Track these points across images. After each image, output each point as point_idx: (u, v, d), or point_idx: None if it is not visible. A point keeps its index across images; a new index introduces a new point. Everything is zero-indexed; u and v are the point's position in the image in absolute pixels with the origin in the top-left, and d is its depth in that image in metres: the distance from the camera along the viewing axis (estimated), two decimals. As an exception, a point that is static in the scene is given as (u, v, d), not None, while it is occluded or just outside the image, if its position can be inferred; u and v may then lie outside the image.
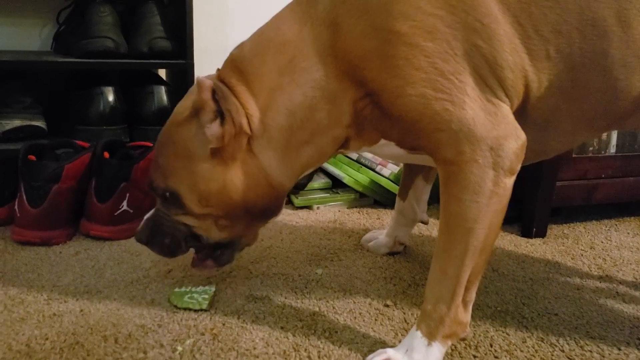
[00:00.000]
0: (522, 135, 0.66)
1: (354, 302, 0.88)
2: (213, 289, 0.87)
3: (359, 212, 1.32)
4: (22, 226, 1.04)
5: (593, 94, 0.69)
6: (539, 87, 0.68)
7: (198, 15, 1.53)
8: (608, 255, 1.11)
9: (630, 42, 0.67)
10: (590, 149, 1.24)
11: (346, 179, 1.35)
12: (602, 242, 1.19)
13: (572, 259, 1.09)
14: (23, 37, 1.39)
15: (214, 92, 0.69)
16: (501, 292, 0.93)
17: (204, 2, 1.54)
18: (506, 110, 0.66)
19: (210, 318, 0.81)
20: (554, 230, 1.24)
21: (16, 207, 1.05)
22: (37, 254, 1.00)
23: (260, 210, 0.77)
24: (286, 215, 1.27)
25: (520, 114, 0.70)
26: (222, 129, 0.70)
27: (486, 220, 0.65)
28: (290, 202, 1.35)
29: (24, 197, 1.03)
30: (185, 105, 0.75)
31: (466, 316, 0.71)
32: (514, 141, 0.65)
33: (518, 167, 0.66)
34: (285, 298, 0.88)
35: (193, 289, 0.87)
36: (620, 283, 0.99)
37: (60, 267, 0.96)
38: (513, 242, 1.16)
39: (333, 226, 1.22)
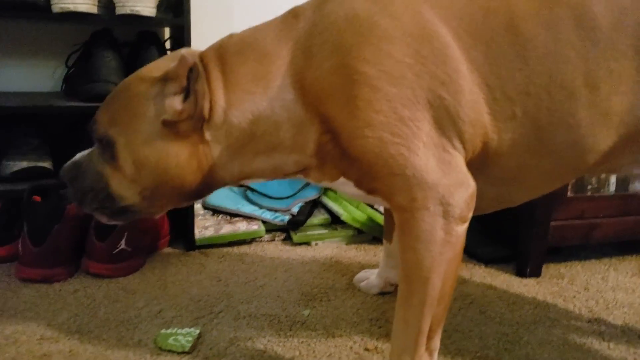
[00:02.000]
0: (472, 184, 0.67)
1: (335, 346, 0.89)
2: (198, 331, 0.90)
3: (356, 249, 1.34)
4: (25, 264, 1.08)
5: (561, 151, 0.71)
6: (499, 145, 0.69)
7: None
8: (601, 297, 1.10)
9: (598, 102, 0.68)
10: (589, 187, 1.24)
11: (344, 216, 1.37)
12: (598, 282, 1.17)
13: (564, 300, 1.08)
14: (36, 78, 1.46)
15: (190, 69, 0.69)
16: (484, 336, 0.93)
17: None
18: (460, 160, 0.67)
19: (192, 361, 0.84)
20: (550, 269, 1.24)
21: (20, 245, 1.10)
22: (37, 292, 1.05)
23: (188, 192, 0.76)
24: (284, 252, 1.30)
25: (482, 169, 0.71)
26: (182, 106, 0.70)
27: (441, 269, 0.67)
28: (289, 239, 1.38)
29: (27, 236, 1.08)
30: (158, 66, 0.75)
31: None
32: (464, 190, 0.66)
33: (469, 215, 0.68)
34: (268, 341, 0.90)
35: (179, 331, 0.89)
36: (608, 327, 0.98)
37: (57, 305, 1.00)
38: (506, 282, 1.16)
39: (329, 264, 1.23)
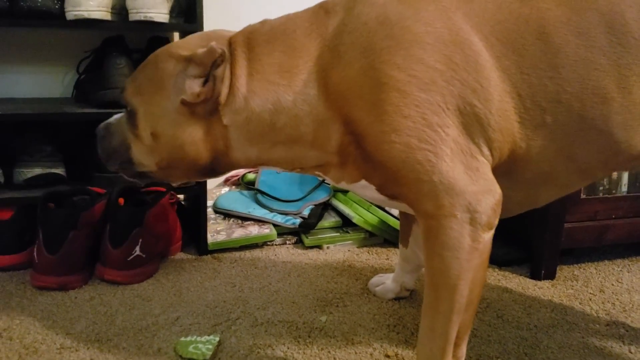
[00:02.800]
0: (499, 191, 0.68)
1: (356, 353, 0.89)
2: (217, 338, 0.90)
3: (368, 252, 1.34)
4: (40, 272, 1.08)
5: (594, 156, 0.71)
6: (527, 152, 0.69)
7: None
8: (617, 299, 1.10)
9: (631, 107, 0.68)
10: (601, 188, 1.24)
11: (356, 219, 1.37)
12: (613, 284, 1.17)
13: (580, 303, 1.08)
14: (47, 84, 1.46)
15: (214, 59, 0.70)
16: (504, 341, 0.93)
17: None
18: (487, 167, 0.68)
19: (213, 369, 0.84)
20: (564, 271, 1.24)
21: (35, 252, 1.09)
22: (53, 300, 1.05)
23: (202, 169, 0.78)
24: (296, 256, 1.30)
25: (509, 175, 0.71)
26: (200, 89, 0.71)
27: (469, 276, 0.67)
28: (300, 242, 1.38)
29: (42, 243, 1.08)
30: (188, 43, 0.76)
31: None
32: (491, 197, 0.66)
33: (495, 222, 0.68)
34: (288, 348, 0.90)
35: (198, 339, 0.89)
36: (627, 329, 0.98)
37: (74, 313, 0.99)
38: (521, 285, 1.16)
39: (342, 267, 1.23)
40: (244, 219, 1.40)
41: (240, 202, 1.47)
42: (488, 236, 0.67)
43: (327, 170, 0.76)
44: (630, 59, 0.66)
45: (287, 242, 1.37)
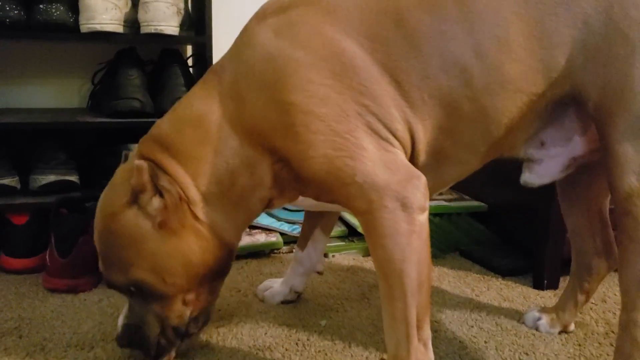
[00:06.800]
0: (421, 174, 0.72)
1: (351, 356, 0.91)
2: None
3: (372, 261, 1.35)
4: (51, 274, 1.12)
5: (469, 125, 0.75)
6: (424, 134, 0.74)
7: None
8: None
9: (490, 70, 0.72)
10: (605, 198, 1.23)
11: (360, 228, 1.39)
12: (616, 294, 1.17)
13: (581, 312, 1.08)
14: (65, 95, 1.52)
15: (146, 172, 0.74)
16: (500, 348, 0.94)
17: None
18: (402, 156, 0.73)
19: (212, 369, 0.86)
20: (567, 281, 1.23)
21: (47, 256, 1.14)
22: (63, 301, 1.08)
23: (216, 271, 0.81)
24: (301, 263, 1.32)
25: (411, 159, 0.76)
26: (163, 201, 0.74)
27: (413, 258, 0.70)
28: (306, 250, 1.40)
29: (54, 247, 1.12)
30: (114, 195, 0.79)
31: (428, 354, 0.73)
32: (416, 181, 0.71)
33: (427, 204, 0.71)
34: (286, 349, 0.92)
35: (199, 340, 0.92)
36: (626, 340, 0.97)
37: (82, 314, 1.03)
38: (523, 294, 1.17)
39: (345, 275, 1.25)
40: (252, 227, 1.43)
41: (248, 210, 1.50)
42: (423, 217, 0.71)
43: (272, 205, 0.82)
44: (482, 25, 0.71)
45: (294, 250, 1.39)
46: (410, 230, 0.69)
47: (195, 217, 0.77)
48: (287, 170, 0.75)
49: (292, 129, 0.71)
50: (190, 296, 0.80)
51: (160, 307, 0.80)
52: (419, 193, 0.70)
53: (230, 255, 0.82)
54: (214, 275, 0.81)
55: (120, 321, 0.83)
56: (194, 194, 0.77)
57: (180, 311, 0.81)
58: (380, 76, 0.72)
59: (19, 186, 1.26)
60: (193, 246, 0.77)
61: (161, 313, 0.80)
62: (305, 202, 0.81)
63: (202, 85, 0.79)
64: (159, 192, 0.75)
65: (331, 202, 0.77)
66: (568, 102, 0.76)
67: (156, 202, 0.75)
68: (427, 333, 0.74)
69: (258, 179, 0.77)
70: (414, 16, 0.72)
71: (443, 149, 0.77)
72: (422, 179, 0.72)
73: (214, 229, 0.78)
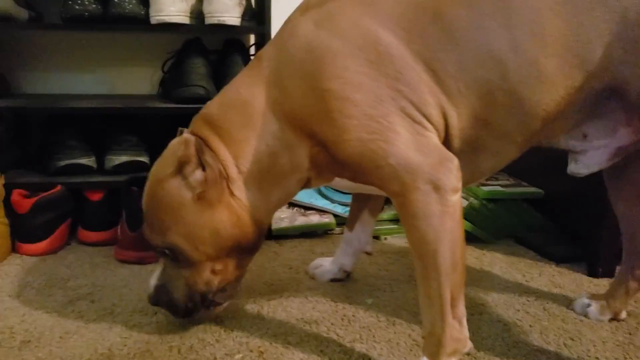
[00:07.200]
0: (453, 156, 0.74)
1: (395, 333, 0.94)
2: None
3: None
4: (122, 247, 1.23)
5: (504, 116, 0.77)
6: (458, 120, 0.76)
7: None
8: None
9: (526, 64, 0.74)
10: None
11: (414, 212, 1.41)
12: (677, 286, 1.13)
13: (635, 301, 1.06)
14: (137, 82, 1.63)
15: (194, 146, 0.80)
16: (545, 332, 0.94)
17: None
18: (435, 139, 0.75)
19: (261, 337, 0.92)
20: (625, 271, 1.20)
21: (119, 230, 1.24)
22: (132, 271, 1.18)
23: (246, 246, 0.86)
24: (354, 245, 1.36)
25: (445, 145, 0.78)
26: (204, 174, 0.80)
27: (446, 238, 0.72)
28: (360, 233, 1.44)
29: (125, 222, 1.22)
30: (164, 164, 0.85)
31: (463, 331, 0.76)
32: (448, 162, 0.73)
33: (459, 185, 0.74)
34: (332, 324, 0.97)
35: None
36: (681, 331, 0.95)
37: (147, 283, 1.12)
38: (575, 282, 1.15)
39: (394, 258, 1.28)
40: (307, 208, 1.49)
41: (304, 192, 1.55)
42: (455, 198, 0.73)
43: (309, 185, 0.87)
44: (519, 19, 0.73)
45: (344, 231, 1.44)
46: (443, 212, 0.72)
47: (232, 194, 0.83)
48: (324, 153, 0.79)
49: (329, 115, 0.75)
50: (219, 266, 0.87)
51: (189, 272, 0.86)
52: (451, 175, 0.73)
53: (259, 234, 0.87)
54: (242, 250, 0.87)
55: (152, 282, 0.91)
56: (234, 172, 0.82)
57: (208, 278, 0.87)
58: (416, 64, 0.74)
59: (95, 166, 1.37)
60: (225, 220, 0.83)
61: (190, 278, 0.87)
62: (342, 182, 0.85)
63: (248, 72, 0.85)
64: (202, 166, 0.81)
65: (367, 184, 0.80)
66: (609, 95, 0.76)
67: (198, 174, 0.81)
68: (462, 311, 0.76)
69: (297, 162, 0.82)
70: (452, 10, 0.74)
71: (479, 139, 0.79)
72: (455, 161, 0.74)
73: (247, 207, 0.84)
